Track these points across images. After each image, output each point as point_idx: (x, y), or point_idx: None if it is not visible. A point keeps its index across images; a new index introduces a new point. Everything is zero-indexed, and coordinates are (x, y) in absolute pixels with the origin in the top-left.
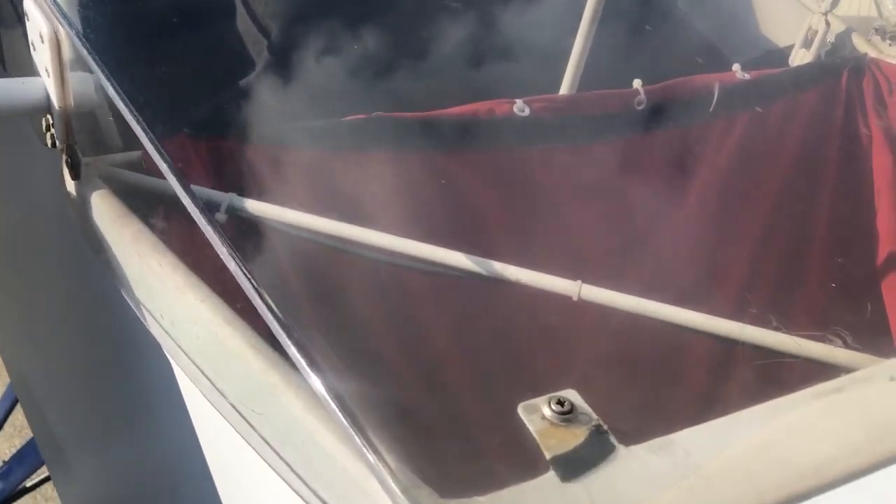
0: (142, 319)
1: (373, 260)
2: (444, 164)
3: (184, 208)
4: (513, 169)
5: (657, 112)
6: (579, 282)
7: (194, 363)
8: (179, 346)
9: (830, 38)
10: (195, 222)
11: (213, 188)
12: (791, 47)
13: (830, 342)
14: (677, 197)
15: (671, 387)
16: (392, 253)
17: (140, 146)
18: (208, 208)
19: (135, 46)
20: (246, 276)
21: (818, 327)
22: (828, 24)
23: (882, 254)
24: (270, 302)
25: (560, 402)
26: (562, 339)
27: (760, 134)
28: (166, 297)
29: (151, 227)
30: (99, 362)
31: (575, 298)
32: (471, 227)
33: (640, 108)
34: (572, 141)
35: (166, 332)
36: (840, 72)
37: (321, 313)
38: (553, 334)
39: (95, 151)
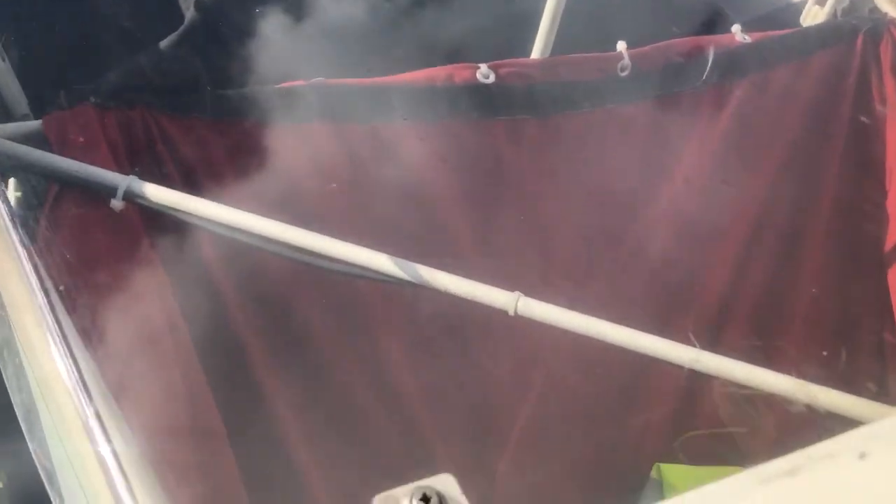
0: None
1: (290, 261)
2: (394, 139)
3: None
4: (473, 144)
5: (643, 79)
6: (517, 293)
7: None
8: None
9: None
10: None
11: (118, 167)
12: (805, 3)
13: (818, 373)
14: (661, 181)
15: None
16: (312, 253)
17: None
18: (104, 193)
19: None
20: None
21: (810, 353)
22: None
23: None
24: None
25: (425, 499)
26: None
27: (758, 105)
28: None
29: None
30: None
31: (511, 313)
32: (418, 217)
33: (624, 74)
34: (543, 112)
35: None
36: (855, 34)
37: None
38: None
39: None
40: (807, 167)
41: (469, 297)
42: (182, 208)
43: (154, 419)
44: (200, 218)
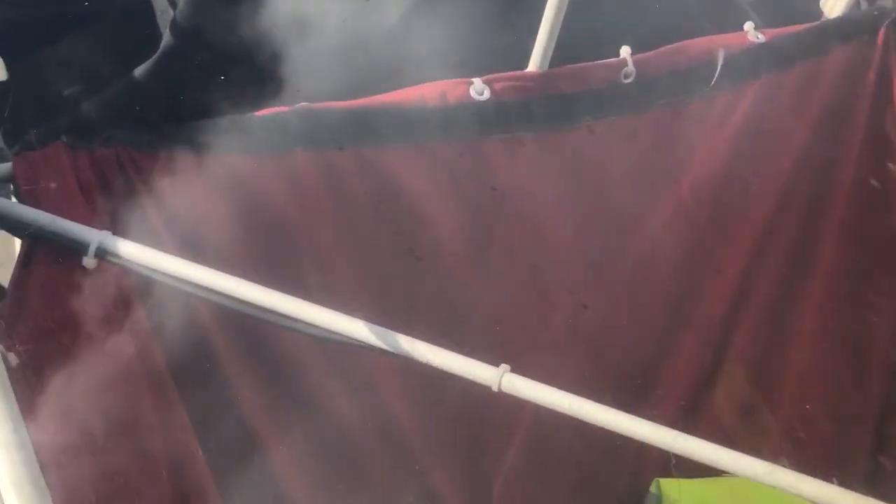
0: None
1: (270, 326)
2: (384, 165)
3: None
4: (467, 168)
5: (648, 86)
6: (503, 367)
7: None
8: None
9: None
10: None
11: (93, 215)
12: None
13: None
14: (663, 200)
15: None
16: (294, 319)
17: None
18: (75, 249)
19: None
20: None
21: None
22: None
23: None
24: None
25: None
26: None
27: (768, 113)
28: None
29: None
30: None
31: (495, 389)
32: (409, 264)
33: (628, 81)
34: (542, 127)
35: None
36: (876, 27)
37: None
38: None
39: None
40: (818, 184)
41: (451, 371)
42: (159, 268)
43: (144, 484)
44: (178, 279)
